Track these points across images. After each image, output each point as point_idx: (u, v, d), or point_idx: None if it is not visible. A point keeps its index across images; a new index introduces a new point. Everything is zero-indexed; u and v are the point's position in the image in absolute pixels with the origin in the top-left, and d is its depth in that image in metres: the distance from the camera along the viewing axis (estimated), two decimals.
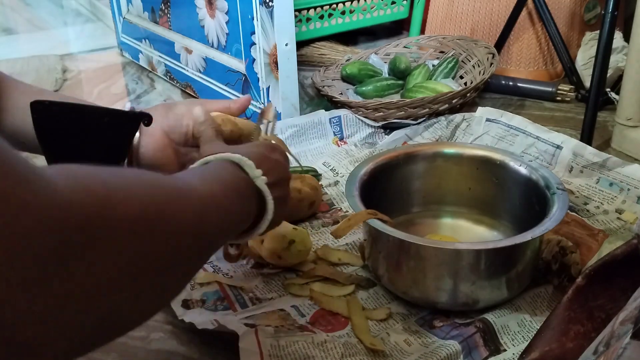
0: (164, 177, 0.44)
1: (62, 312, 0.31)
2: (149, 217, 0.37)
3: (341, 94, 1.30)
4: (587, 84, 1.27)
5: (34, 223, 0.29)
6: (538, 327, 0.63)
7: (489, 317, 0.71)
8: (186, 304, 0.74)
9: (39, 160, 1.10)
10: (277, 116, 0.75)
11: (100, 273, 0.33)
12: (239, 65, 1.23)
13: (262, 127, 0.73)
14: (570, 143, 1.00)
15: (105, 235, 0.33)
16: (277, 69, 1.13)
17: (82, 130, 0.66)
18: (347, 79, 1.35)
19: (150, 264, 0.38)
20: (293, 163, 1.06)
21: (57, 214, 0.31)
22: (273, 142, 0.71)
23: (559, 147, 1.00)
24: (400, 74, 1.34)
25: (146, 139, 0.69)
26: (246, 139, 0.72)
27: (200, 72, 1.38)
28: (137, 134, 0.69)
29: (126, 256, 0.35)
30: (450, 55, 1.37)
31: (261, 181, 0.56)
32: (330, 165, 1.08)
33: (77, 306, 0.32)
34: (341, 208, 0.96)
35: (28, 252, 0.29)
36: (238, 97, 1.26)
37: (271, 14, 1.09)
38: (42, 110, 0.64)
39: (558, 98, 1.33)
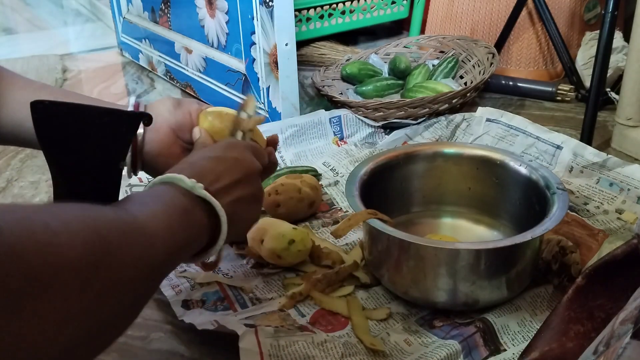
0: (108, 211, 0.44)
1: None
2: (94, 256, 0.37)
3: (341, 93, 1.30)
4: (587, 84, 1.27)
5: None
6: (538, 327, 0.63)
7: (489, 317, 0.71)
8: (186, 304, 0.74)
9: (39, 159, 1.10)
10: (256, 109, 0.71)
11: (47, 317, 0.33)
12: (239, 65, 1.23)
13: (242, 118, 0.69)
14: (570, 143, 1.00)
15: (50, 281, 0.33)
16: (277, 69, 1.13)
17: (82, 130, 0.65)
18: (347, 78, 1.35)
19: (98, 301, 0.37)
20: (286, 163, 1.07)
21: None
22: (251, 136, 0.69)
23: (559, 147, 1.00)
24: (400, 73, 1.34)
25: (151, 135, 0.68)
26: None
27: (200, 72, 1.38)
28: (142, 130, 0.68)
29: (73, 298, 0.35)
30: (450, 55, 1.37)
31: (199, 188, 0.53)
32: (330, 165, 1.08)
33: (25, 353, 0.32)
34: (341, 208, 0.96)
35: None
36: (238, 96, 1.26)
37: (271, 13, 1.09)
38: (42, 110, 0.63)
39: (558, 98, 1.33)
